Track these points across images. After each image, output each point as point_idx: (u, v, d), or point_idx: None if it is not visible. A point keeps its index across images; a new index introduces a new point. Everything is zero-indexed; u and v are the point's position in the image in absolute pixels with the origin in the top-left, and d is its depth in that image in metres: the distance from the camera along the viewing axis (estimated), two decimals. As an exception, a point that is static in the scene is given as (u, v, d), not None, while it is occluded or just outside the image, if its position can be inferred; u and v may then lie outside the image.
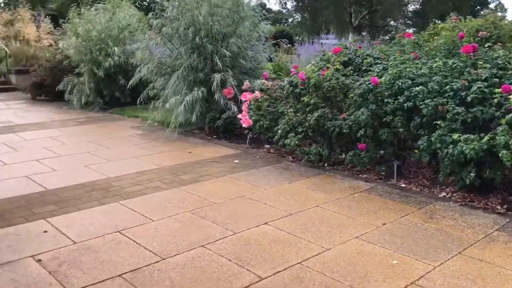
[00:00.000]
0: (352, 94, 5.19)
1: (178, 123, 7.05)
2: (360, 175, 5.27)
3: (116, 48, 9.64)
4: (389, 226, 3.89)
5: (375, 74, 5.23)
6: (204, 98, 7.04)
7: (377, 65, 5.63)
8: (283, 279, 3.04)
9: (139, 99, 7.84)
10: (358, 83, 5.25)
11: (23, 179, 5.10)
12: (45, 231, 3.74)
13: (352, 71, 5.93)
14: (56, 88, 10.20)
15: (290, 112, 5.77)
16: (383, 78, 5.04)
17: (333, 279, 3.04)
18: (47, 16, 15.90)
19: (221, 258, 3.30)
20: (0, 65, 13.70)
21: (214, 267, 3.19)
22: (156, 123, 8.00)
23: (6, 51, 12.98)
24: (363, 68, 6.06)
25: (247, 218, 4.04)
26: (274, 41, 8.58)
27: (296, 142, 5.52)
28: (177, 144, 6.84)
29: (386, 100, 4.90)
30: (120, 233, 3.72)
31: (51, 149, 6.42)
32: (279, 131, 5.76)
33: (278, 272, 3.12)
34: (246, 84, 6.87)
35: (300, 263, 3.25)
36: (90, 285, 2.95)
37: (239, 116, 6.57)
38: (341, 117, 5.33)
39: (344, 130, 5.18)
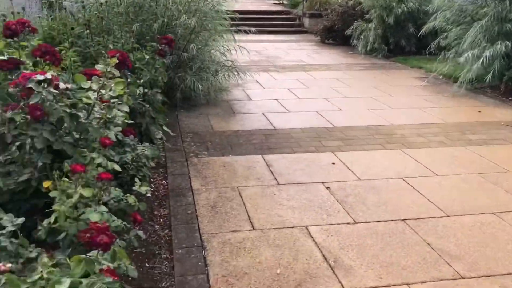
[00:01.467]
0: None
1: (468, 78, 6.46)
2: None
3: None
4: None
5: None
6: (506, 53, 6.19)
7: None
8: None
9: (428, 48, 7.49)
10: None
11: (313, 113, 5.59)
12: (333, 163, 4.04)
13: None
14: (344, 33, 10.64)
15: None
16: None
17: None
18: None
19: (516, 232, 2.95)
20: (296, 8, 15.08)
21: (506, 238, 2.88)
22: (441, 76, 7.53)
23: (304, -4, 14.13)
24: None
25: (551, 195, 3.47)
26: None
27: None
28: (464, 101, 6.30)
29: None
30: (403, 180, 3.71)
31: (337, 90, 6.81)
32: None
33: None
34: None
35: None
36: (375, 221, 3.07)
37: (551, 77, 5.55)
38: None
39: None
